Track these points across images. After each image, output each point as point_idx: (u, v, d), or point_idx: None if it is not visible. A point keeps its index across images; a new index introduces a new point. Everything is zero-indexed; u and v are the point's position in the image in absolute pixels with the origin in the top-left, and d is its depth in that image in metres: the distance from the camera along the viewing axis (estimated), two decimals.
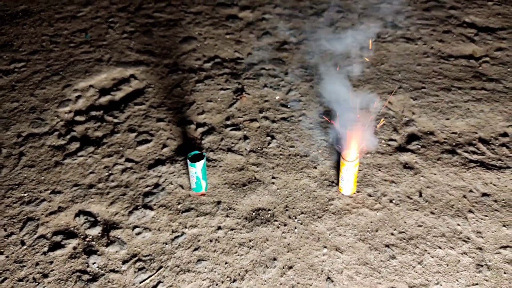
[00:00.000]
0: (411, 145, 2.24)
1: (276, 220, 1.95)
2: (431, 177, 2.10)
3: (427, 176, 2.10)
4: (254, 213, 1.98)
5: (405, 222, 1.93)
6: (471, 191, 2.04)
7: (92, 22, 3.10)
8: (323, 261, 1.81)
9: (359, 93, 2.48)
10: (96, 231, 1.93)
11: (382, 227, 1.92)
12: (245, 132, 2.34)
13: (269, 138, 2.31)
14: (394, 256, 1.82)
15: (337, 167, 2.13)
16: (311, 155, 2.21)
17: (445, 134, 2.29)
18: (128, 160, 2.22)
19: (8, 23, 3.10)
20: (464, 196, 2.02)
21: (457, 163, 2.15)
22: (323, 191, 2.06)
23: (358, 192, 2.04)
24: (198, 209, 2.00)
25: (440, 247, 1.84)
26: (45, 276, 1.79)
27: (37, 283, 1.77)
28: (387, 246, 1.85)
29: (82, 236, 1.92)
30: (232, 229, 1.93)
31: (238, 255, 1.84)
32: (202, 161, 1.97)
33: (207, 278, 1.77)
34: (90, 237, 1.92)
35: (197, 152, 2.01)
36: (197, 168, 1.97)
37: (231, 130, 2.35)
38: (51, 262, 1.83)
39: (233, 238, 1.90)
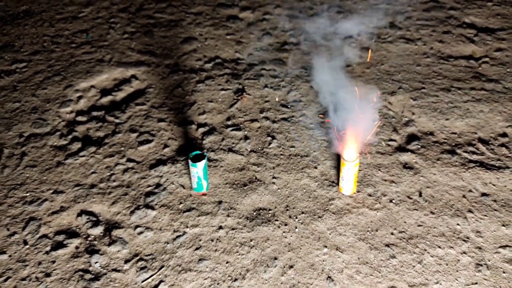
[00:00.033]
0: (411, 145, 2.25)
1: (276, 220, 1.96)
2: (430, 177, 2.11)
3: (427, 176, 2.11)
4: (255, 213, 1.99)
5: (405, 222, 1.94)
6: (470, 191, 2.05)
7: (93, 22, 3.10)
8: (323, 261, 1.82)
9: (359, 93, 2.48)
10: (98, 230, 1.94)
11: (382, 227, 1.92)
12: (245, 132, 2.35)
13: (269, 138, 2.32)
14: (394, 255, 1.83)
15: (337, 167, 2.14)
16: (312, 155, 2.22)
17: (444, 134, 2.30)
18: (129, 160, 2.23)
19: (9, 23, 3.11)
20: (464, 196, 2.03)
21: (457, 163, 2.16)
22: (323, 191, 2.07)
23: (358, 192, 2.05)
24: (199, 209, 2.01)
25: (439, 247, 1.85)
26: (48, 275, 1.80)
27: (39, 282, 1.78)
28: (387, 245, 1.86)
29: (84, 236, 1.93)
30: (233, 229, 1.94)
31: (239, 255, 1.85)
32: (203, 161, 1.98)
33: (208, 277, 1.78)
34: (92, 236, 1.93)
35: (198, 152, 2.02)
36: (198, 168, 1.98)
37: (232, 130, 2.36)
38: (53, 262, 1.84)
39: (234, 238, 1.91)
